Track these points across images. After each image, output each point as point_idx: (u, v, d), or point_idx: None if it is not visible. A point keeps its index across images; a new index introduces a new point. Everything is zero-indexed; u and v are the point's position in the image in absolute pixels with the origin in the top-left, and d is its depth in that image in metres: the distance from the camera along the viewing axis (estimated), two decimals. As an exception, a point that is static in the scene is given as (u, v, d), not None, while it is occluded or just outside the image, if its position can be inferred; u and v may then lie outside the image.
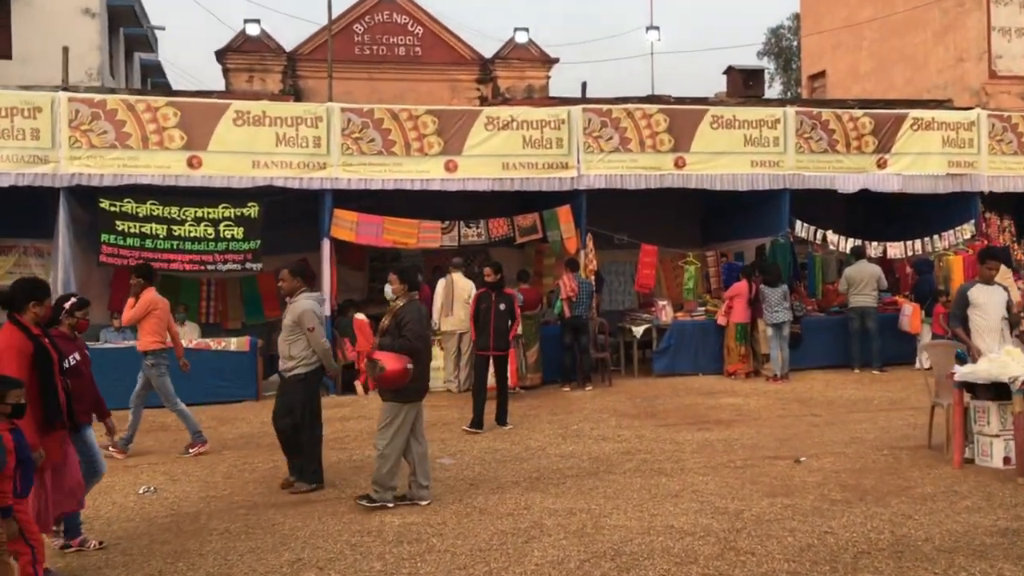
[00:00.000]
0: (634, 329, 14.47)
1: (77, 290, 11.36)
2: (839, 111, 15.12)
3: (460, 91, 24.84)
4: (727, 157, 14.40)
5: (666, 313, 14.41)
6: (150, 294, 9.57)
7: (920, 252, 14.98)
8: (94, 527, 6.67)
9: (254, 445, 9.74)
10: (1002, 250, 12.49)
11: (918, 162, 14.99)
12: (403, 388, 7.09)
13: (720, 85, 25.91)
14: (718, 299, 14.80)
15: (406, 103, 15.18)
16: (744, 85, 22.55)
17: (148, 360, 9.44)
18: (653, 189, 14.23)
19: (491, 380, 12.09)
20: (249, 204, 13.04)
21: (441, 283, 13.28)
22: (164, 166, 12.65)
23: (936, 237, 15.00)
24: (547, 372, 13.48)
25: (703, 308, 14.82)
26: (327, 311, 13.33)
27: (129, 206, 12.65)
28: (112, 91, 15.74)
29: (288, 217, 13.72)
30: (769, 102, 21.18)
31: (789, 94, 39.35)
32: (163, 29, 26.84)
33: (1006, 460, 7.81)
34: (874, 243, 14.81)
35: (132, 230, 12.65)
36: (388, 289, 7.80)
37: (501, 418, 10.52)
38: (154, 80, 29.40)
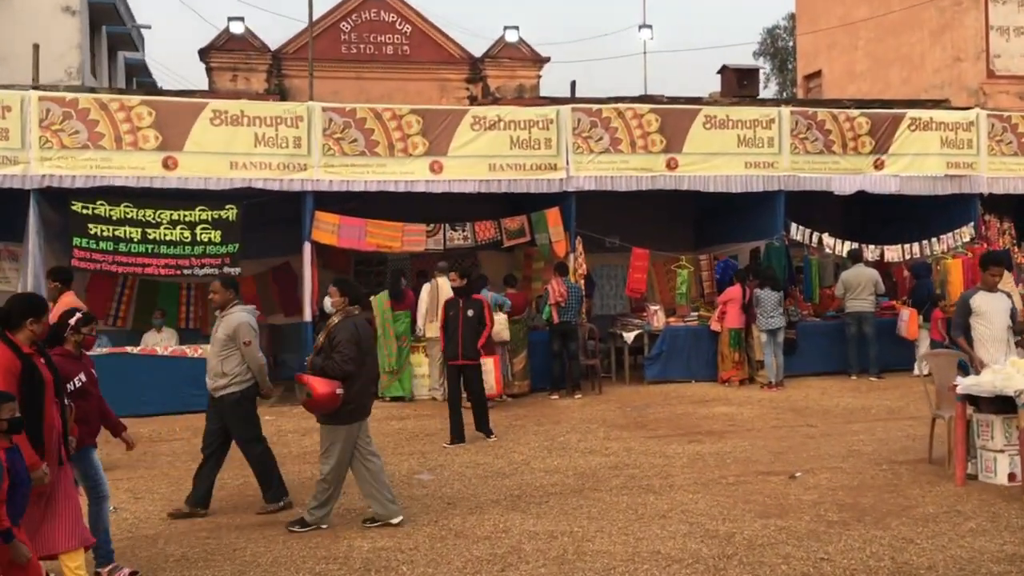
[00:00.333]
0: (625, 335, 14.09)
1: (47, 296, 10.94)
2: (835, 111, 14.76)
3: (449, 91, 24.42)
4: (720, 158, 14.02)
5: (658, 318, 14.03)
6: (68, 298, 9.17)
7: (918, 255, 14.61)
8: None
9: (227, 459, 9.30)
10: (1004, 254, 12.12)
11: (916, 163, 14.63)
12: (337, 411, 6.66)
13: (714, 85, 25.57)
14: (711, 304, 14.43)
15: (394, 103, 14.77)
16: (738, 85, 22.16)
17: None
18: (644, 191, 13.85)
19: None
20: (227, 206, 12.61)
21: (426, 288, 12.91)
22: (138, 167, 12.25)
23: (934, 240, 14.63)
24: (535, 380, 13.11)
25: (696, 313, 14.45)
26: (308, 316, 13.03)
27: (102, 208, 12.22)
28: (93, 90, 15.36)
29: (268, 220, 13.33)
30: (764, 102, 20.86)
31: (785, 95, 39.02)
32: (149, 28, 26.43)
33: (1011, 476, 7.44)
34: (871, 246, 14.44)
35: (105, 233, 12.23)
36: (327, 302, 7.30)
37: (481, 427, 10.06)
38: (140, 80, 28.96)
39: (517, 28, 25.47)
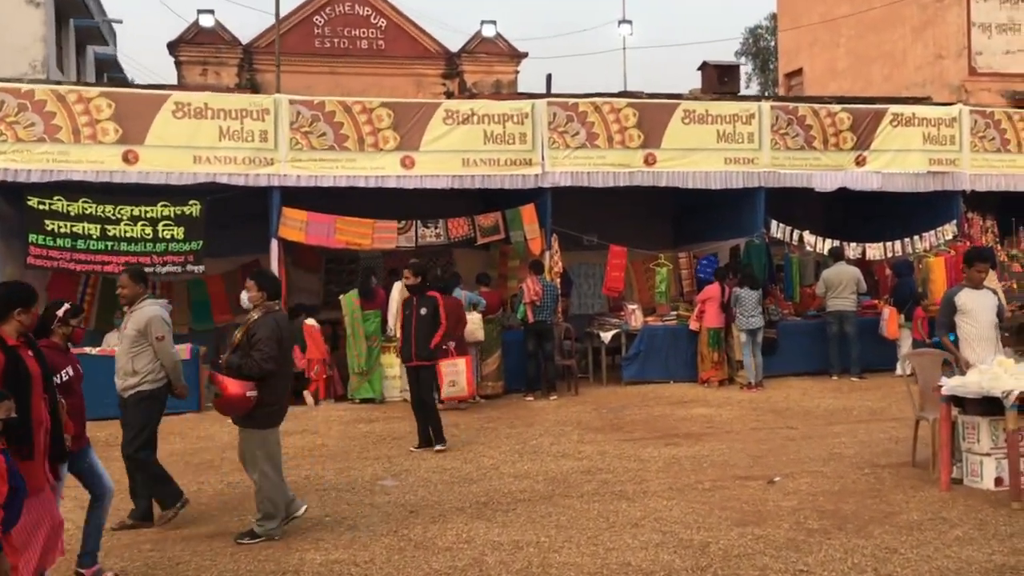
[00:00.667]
0: (602, 334, 13.75)
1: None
2: (816, 106, 14.47)
3: (425, 86, 23.99)
4: (699, 154, 13.71)
5: (635, 317, 13.70)
6: None
7: (900, 253, 14.35)
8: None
9: (183, 464, 8.91)
10: (989, 251, 11.86)
11: (898, 159, 14.37)
12: (252, 414, 6.28)
13: (695, 83, 25.29)
14: (691, 303, 14.12)
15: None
16: (719, 81, 21.91)
17: None
18: (622, 187, 13.52)
19: (448, 391, 11.46)
20: (190, 202, 12.20)
21: (397, 286, 12.47)
22: (97, 161, 11.80)
23: (917, 238, 14.37)
24: (509, 381, 12.77)
25: (675, 312, 14.13)
26: (275, 316, 12.62)
27: (59, 204, 11.79)
28: (51, 81, 14.87)
29: (237, 216, 12.90)
30: (744, 98, 20.59)
31: (767, 95, 38.84)
32: (120, 22, 25.88)
33: (998, 481, 7.14)
34: (853, 244, 14.17)
35: (63, 230, 11.79)
36: (244, 297, 6.90)
37: (425, 436, 9.30)
38: (111, 75, 28.29)
39: (494, 23, 25.09)
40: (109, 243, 11.93)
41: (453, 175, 12.90)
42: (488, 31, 24.97)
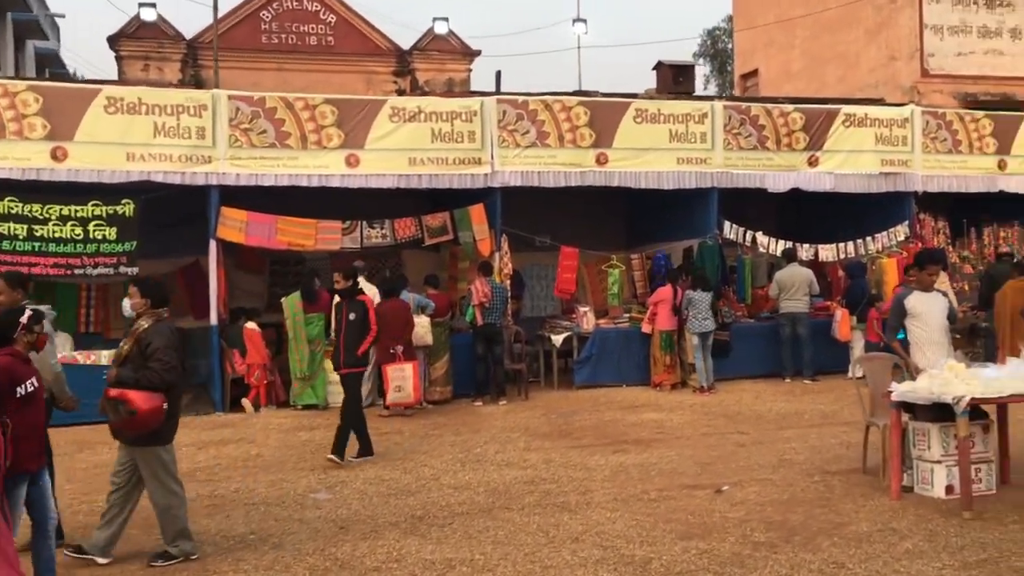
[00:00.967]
0: (553, 337, 13.47)
1: None
2: (769, 106, 14.34)
3: (376, 83, 23.54)
4: (652, 153, 13.49)
5: (587, 320, 13.44)
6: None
7: (853, 255, 14.26)
8: None
9: (105, 476, 8.43)
10: (940, 253, 11.78)
11: (850, 160, 14.27)
12: (159, 429, 5.87)
13: (651, 83, 25.13)
14: (643, 304, 13.89)
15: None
16: (674, 81, 21.76)
17: None
18: (573, 187, 13.25)
19: (394, 396, 11.11)
20: (123, 201, 11.68)
21: (341, 289, 12.11)
22: (24, 158, 11.25)
23: (870, 239, 14.28)
24: (457, 385, 12.42)
25: (628, 315, 13.90)
26: (214, 320, 12.19)
27: (-17, 203, 11.22)
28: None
29: (175, 216, 12.41)
30: (697, 97, 20.46)
31: (723, 95, 38.90)
32: (63, 16, 25.17)
33: (948, 489, 6.96)
34: (805, 245, 14.03)
35: (-13, 230, 11.23)
36: (126, 304, 6.44)
37: (337, 449, 8.78)
38: (53, 71, 27.44)
39: (447, 20, 24.72)
40: (37, 244, 11.37)
41: (400, 174, 12.54)
42: (440, 28, 24.58)
